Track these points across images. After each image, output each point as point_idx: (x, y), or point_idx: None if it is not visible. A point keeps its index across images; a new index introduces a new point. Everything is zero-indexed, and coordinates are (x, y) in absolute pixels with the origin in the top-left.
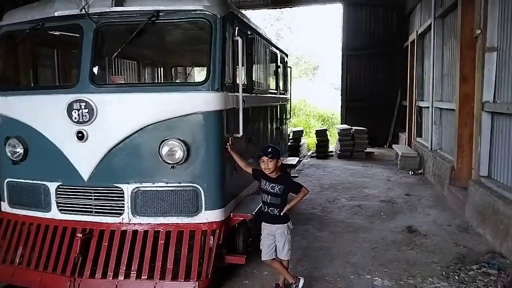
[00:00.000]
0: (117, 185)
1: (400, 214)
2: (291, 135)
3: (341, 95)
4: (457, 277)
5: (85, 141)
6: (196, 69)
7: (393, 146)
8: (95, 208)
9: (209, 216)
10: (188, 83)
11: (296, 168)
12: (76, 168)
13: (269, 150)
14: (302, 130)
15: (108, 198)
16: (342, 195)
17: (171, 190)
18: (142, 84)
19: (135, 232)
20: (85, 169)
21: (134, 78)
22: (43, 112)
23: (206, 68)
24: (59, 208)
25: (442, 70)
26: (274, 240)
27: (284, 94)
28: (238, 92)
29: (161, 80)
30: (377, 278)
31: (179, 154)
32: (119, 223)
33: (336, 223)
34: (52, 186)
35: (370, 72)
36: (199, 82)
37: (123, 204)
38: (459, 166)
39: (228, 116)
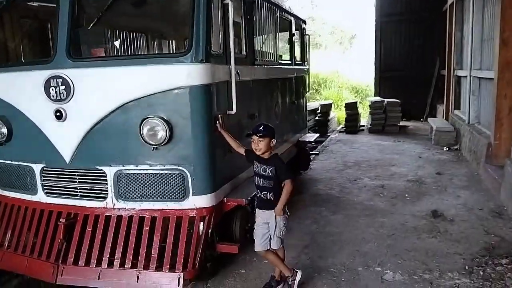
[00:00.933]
0: (99, 167)
1: (426, 196)
2: (319, 108)
3: (374, 65)
4: (481, 273)
5: (64, 121)
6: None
7: (429, 119)
8: (80, 192)
9: (197, 201)
10: (168, 54)
11: (313, 144)
12: (58, 149)
13: (259, 128)
14: (331, 104)
15: (91, 181)
16: (365, 174)
17: (155, 174)
18: (120, 57)
19: (119, 217)
20: (66, 151)
21: (117, 51)
22: (23, 90)
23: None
24: (45, 191)
25: (481, 35)
26: (268, 228)
27: (301, 65)
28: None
29: (148, 52)
30: (388, 271)
31: (162, 134)
32: (103, 207)
33: (354, 205)
34: (37, 168)
35: (406, 40)
36: (180, 52)
37: (107, 188)
38: (496, 142)
39: (218, 90)
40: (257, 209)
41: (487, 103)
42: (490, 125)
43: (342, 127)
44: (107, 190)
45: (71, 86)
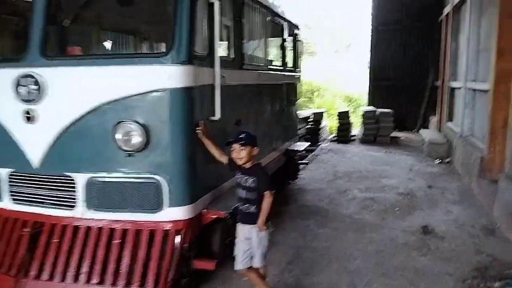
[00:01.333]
0: (67, 173)
1: (417, 211)
2: (311, 117)
3: (368, 74)
4: None
5: (34, 123)
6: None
7: (421, 131)
8: (48, 200)
9: (173, 213)
10: (148, 54)
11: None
12: (26, 153)
13: (241, 136)
14: (323, 112)
15: (60, 188)
16: (355, 186)
17: (129, 182)
18: (95, 56)
19: (88, 228)
20: (34, 155)
21: (96, 50)
22: None
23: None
24: (13, 197)
25: (478, 46)
26: (250, 245)
27: (293, 72)
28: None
29: (129, 51)
30: None
31: (136, 139)
32: (71, 217)
33: (342, 218)
34: (5, 173)
35: (401, 49)
36: (161, 52)
37: (75, 196)
38: (490, 156)
39: (201, 94)
40: (238, 224)
41: (481, 115)
42: (483, 138)
43: (334, 137)
44: (75, 199)
45: (43, 86)
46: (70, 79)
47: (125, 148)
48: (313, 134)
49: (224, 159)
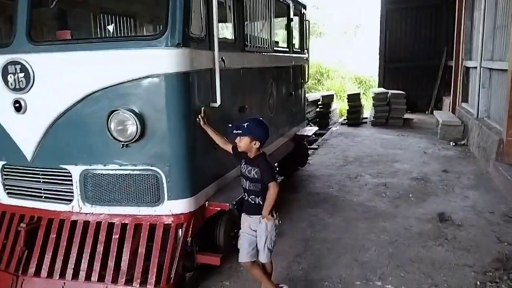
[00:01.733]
0: (63, 166)
1: (432, 197)
2: (320, 100)
3: (379, 55)
4: None
5: (23, 113)
6: None
7: (434, 112)
8: (44, 193)
9: (173, 207)
10: (140, 37)
11: (313, 137)
12: (18, 145)
13: (243, 124)
14: (333, 95)
15: (56, 181)
16: (367, 171)
17: (126, 175)
18: (85, 40)
19: (86, 223)
20: (27, 147)
21: (87, 34)
22: None
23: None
24: (7, 191)
25: (494, 22)
26: (256, 237)
27: (300, 53)
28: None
29: (122, 35)
30: (389, 286)
31: (132, 129)
32: (69, 211)
33: (353, 206)
34: None
35: (413, 29)
36: (154, 35)
37: (72, 189)
38: (509, 139)
39: (199, 79)
40: (243, 214)
41: (498, 96)
42: (501, 120)
43: (344, 120)
44: (72, 192)
45: (31, 73)
46: (59, 66)
47: (120, 138)
48: (323, 117)
49: (228, 147)
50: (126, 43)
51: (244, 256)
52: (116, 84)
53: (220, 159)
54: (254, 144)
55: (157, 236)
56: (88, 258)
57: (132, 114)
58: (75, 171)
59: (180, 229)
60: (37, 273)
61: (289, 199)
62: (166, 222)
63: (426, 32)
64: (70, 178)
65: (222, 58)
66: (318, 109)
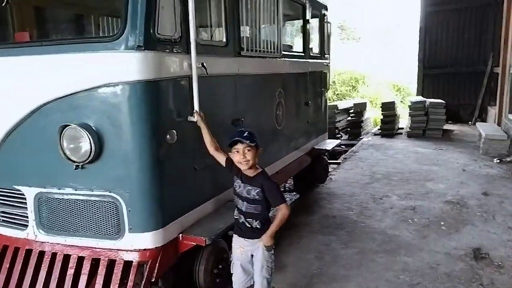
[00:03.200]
0: (16, 187)
1: (468, 226)
2: (353, 108)
3: (418, 61)
4: None
5: None
6: None
7: (477, 124)
8: (2, 216)
9: (135, 241)
10: (95, 38)
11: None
12: None
13: (245, 134)
14: (366, 103)
15: (10, 204)
16: (395, 190)
17: (82, 200)
18: (31, 43)
19: (41, 253)
20: None
21: (47, 34)
22: None
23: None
24: None
25: None
26: (251, 263)
27: (320, 59)
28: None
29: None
30: None
31: (86, 148)
32: (24, 238)
33: (373, 235)
34: None
35: (456, 32)
36: (110, 36)
37: (27, 213)
38: None
39: (172, 89)
40: (237, 238)
41: None
42: None
43: (378, 130)
44: (27, 217)
45: None
46: (7, 72)
47: (73, 158)
48: (355, 127)
49: (220, 157)
50: (79, 46)
51: (237, 284)
52: (69, 94)
53: (203, 181)
54: (258, 153)
55: (115, 275)
56: None
57: (85, 130)
58: (29, 193)
59: (141, 269)
60: None
61: (300, 222)
62: (126, 259)
63: (470, 35)
64: (25, 201)
65: (202, 64)
66: (349, 118)
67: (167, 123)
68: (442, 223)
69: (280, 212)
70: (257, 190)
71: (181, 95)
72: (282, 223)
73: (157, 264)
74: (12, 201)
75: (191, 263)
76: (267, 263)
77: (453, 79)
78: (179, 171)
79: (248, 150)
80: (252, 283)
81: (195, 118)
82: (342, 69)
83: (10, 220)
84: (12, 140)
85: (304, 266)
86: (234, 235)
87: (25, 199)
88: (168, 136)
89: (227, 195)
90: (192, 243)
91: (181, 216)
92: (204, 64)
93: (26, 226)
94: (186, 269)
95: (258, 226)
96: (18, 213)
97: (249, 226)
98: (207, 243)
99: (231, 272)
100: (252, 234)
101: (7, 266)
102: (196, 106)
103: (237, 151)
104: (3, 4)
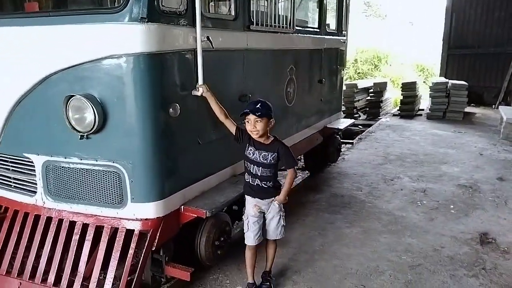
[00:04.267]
0: (26, 154)
1: (478, 210)
2: (372, 88)
3: (442, 40)
4: None
5: None
6: None
7: (500, 107)
8: (13, 182)
9: (137, 210)
10: (100, 9)
11: (360, 128)
12: None
13: (258, 106)
14: (386, 82)
15: (21, 171)
16: (407, 172)
17: (87, 169)
18: (38, 13)
19: (49, 219)
20: None
21: (57, 4)
22: None
23: None
24: None
25: None
26: (264, 218)
27: (336, 35)
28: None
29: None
30: None
31: (90, 118)
32: (33, 205)
33: (379, 215)
34: None
35: (484, 11)
36: (114, 7)
37: (35, 180)
38: None
39: (176, 62)
40: (250, 198)
41: None
42: None
43: (397, 110)
44: (36, 184)
45: None
46: (17, 42)
47: (78, 128)
48: (374, 107)
49: (230, 125)
50: (84, 17)
51: (253, 239)
52: (75, 65)
53: (207, 156)
54: (270, 124)
55: (117, 242)
56: (46, 258)
57: (89, 101)
58: (38, 161)
59: (143, 238)
60: None
61: (307, 200)
62: (129, 228)
63: (500, 14)
64: (34, 168)
65: (208, 37)
66: (369, 98)
67: (170, 96)
68: (452, 206)
69: (290, 174)
70: (274, 155)
71: (186, 68)
72: (291, 184)
73: (158, 234)
74: (22, 168)
75: (193, 234)
76: (282, 213)
77: (479, 60)
78: (182, 145)
79: (258, 121)
80: (262, 238)
81: (199, 92)
82: (365, 47)
83: (20, 186)
84: (21, 109)
85: (307, 242)
86: (247, 196)
87: (34, 166)
88: (171, 109)
89: (231, 170)
90: (193, 215)
91: (184, 188)
92: (210, 37)
93: (35, 192)
94: (189, 240)
95: (271, 186)
96: (28, 180)
97: (265, 187)
98: (207, 216)
99: (244, 231)
100: (267, 194)
101: (17, 229)
102: (200, 80)
103: (248, 121)
104: None
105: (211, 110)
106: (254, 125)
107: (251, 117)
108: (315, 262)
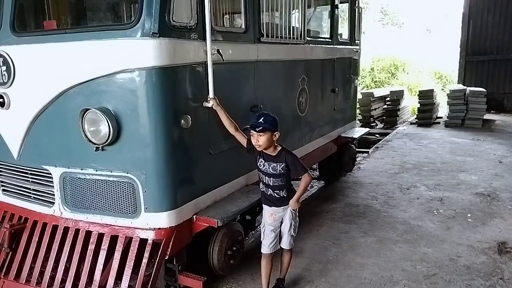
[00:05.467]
0: (44, 166)
1: (496, 219)
2: (389, 96)
3: (460, 47)
4: None
5: (8, 108)
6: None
7: None
8: (33, 193)
9: (151, 220)
10: (114, 25)
11: (377, 137)
12: (6, 142)
13: (260, 120)
14: (403, 91)
15: (39, 182)
16: (423, 181)
17: (102, 180)
18: (56, 31)
19: (66, 229)
20: (13, 145)
21: (75, 23)
22: None
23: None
24: (2, 188)
25: None
26: (279, 226)
27: (349, 45)
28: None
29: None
30: None
31: (104, 131)
32: (51, 215)
33: (395, 224)
34: None
35: (503, 17)
36: (127, 24)
37: (53, 191)
38: None
39: (187, 75)
40: (267, 207)
41: None
42: None
43: (415, 119)
44: (53, 195)
45: (12, 66)
46: (37, 58)
47: (93, 140)
48: (391, 115)
49: (241, 137)
50: (99, 33)
51: (267, 248)
52: (90, 80)
53: (218, 166)
54: (275, 137)
55: (131, 251)
56: (64, 267)
57: (104, 114)
58: (55, 172)
59: (155, 247)
60: (17, 277)
61: (322, 209)
62: (142, 237)
63: None
64: (52, 180)
65: (218, 50)
66: (385, 106)
67: (181, 108)
68: (469, 215)
69: (304, 180)
70: (282, 165)
71: (197, 81)
72: (306, 189)
73: (171, 243)
74: (41, 179)
75: (206, 243)
76: (294, 223)
77: (498, 66)
78: (194, 155)
79: (260, 135)
80: (278, 248)
81: (210, 104)
82: (382, 55)
83: (39, 197)
84: (40, 123)
85: (320, 253)
86: (264, 205)
87: (52, 178)
88: (182, 121)
89: (244, 179)
90: (205, 224)
91: (196, 198)
92: (220, 50)
93: (53, 203)
94: (202, 249)
95: (285, 195)
96: (46, 191)
97: (278, 196)
98: (219, 225)
99: (261, 239)
100: (281, 202)
101: (36, 239)
102: (211, 93)
103: (252, 135)
104: None
105: (222, 121)
106: (257, 139)
107: (254, 132)
108: (328, 272)
